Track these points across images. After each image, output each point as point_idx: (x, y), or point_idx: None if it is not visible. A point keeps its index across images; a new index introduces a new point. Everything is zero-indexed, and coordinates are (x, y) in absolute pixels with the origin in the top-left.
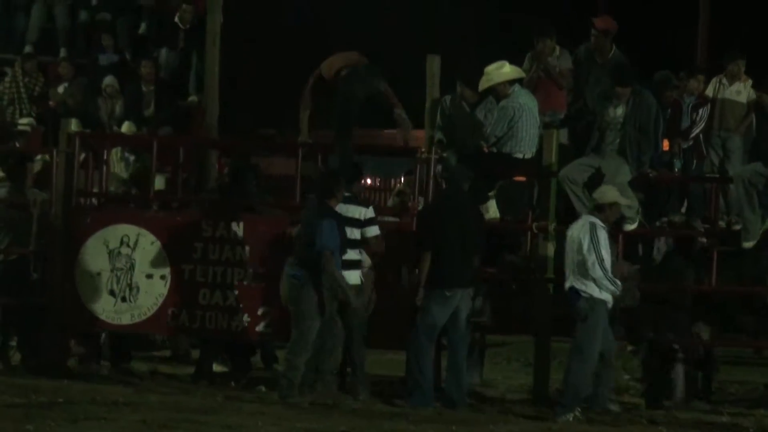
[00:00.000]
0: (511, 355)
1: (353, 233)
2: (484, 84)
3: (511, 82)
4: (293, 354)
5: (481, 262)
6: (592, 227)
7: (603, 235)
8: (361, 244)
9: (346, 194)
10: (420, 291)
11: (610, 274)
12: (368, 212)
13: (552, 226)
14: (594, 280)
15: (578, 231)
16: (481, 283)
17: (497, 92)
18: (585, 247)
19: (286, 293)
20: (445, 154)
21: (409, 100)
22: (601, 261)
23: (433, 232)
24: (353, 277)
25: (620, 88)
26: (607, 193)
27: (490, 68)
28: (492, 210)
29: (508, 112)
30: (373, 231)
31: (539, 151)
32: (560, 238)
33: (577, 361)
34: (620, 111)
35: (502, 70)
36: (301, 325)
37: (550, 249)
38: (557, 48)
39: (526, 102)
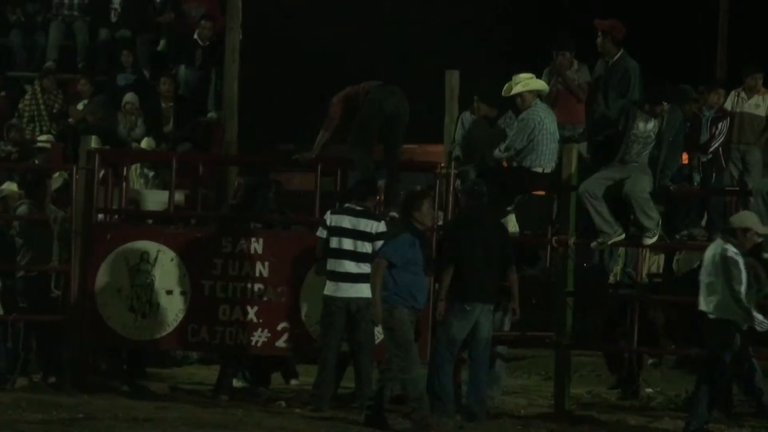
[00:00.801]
0: (532, 369)
1: (364, 247)
2: (517, 88)
3: (535, 94)
4: (406, 372)
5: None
6: (723, 251)
7: (734, 260)
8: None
9: (358, 208)
10: (440, 305)
11: (743, 300)
12: (380, 226)
13: (572, 240)
14: (720, 302)
15: (709, 252)
16: (502, 297)
17: (522, 101)
18: (713, 270)
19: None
20: (465, 168)
21: (427, 115)
22: (730, 286)
23: (454, 246)
24: (366, 291)
25: (656, 106)
26: (743, 218)
27: (523, 75)
28: (511, 224)
29: (529, 124)
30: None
31: (558, 165)
32: (579, 252)
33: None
34: (651, 125)
35: (533, 80)
36: (400, 345)
37: (570, 263)
38: (575, 62)
39: (545, 116)
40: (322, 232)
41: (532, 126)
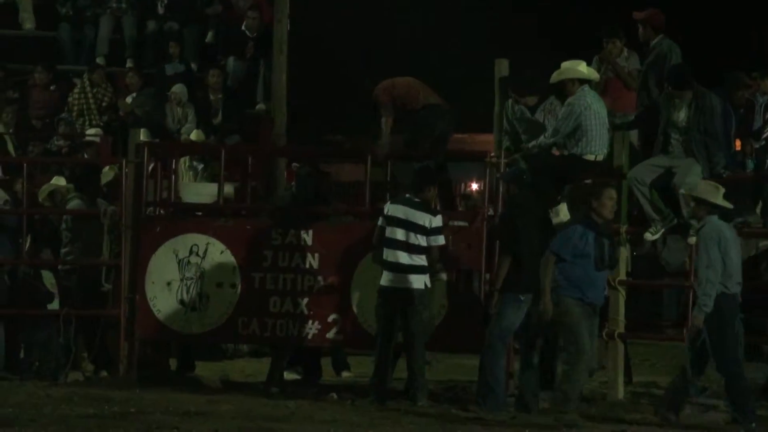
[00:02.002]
0: None
1: (418, 239)
2: (554, 76)
3: (581, 82)
4: (571, 366)
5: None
6: None
7: None
8: (427, 250)
9: (416, 200)
10: (495, 296)
11: None
12: (435, 220)
13: (624, 229)
14: None
15: None
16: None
17: (565, 89)
18: None
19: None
20: (515, 156)
21: (476, 105)
22: None
23: (512, 237)
24: (419, 282)
25: (678, 91)
26: None
27: (567, 63)
28: (563, 213)
29: (575, 109)
30: (436, 240)
31: (610, 153)
32: (632, 241)
33: None
34: (682, 114)
35: (578, 68)
36: (570, 336)
37: (623, 251)
38: (625, 49)
39: (593, 102)
40: (380, 221)
41: (579, 111)
